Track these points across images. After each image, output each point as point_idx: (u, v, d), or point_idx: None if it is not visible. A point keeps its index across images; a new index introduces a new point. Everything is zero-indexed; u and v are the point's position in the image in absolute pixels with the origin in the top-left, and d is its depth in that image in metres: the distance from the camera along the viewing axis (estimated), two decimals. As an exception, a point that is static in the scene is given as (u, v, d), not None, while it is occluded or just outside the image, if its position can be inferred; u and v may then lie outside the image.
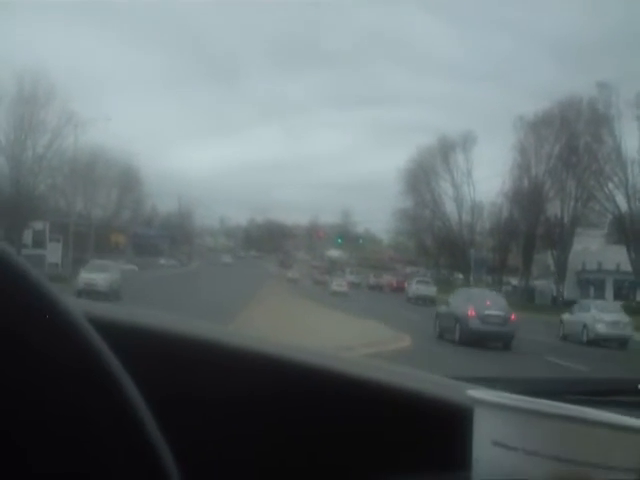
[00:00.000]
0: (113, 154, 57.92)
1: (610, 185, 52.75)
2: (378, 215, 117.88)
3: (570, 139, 54.30)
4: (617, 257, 53.52)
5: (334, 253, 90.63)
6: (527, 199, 58.07)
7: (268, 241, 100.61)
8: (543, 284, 60.13)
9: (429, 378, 1.10)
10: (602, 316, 27.00)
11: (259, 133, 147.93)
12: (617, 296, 55.10)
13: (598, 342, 25.05)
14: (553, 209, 59.26)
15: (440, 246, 68.59)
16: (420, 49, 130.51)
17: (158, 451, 0.54)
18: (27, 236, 51.65)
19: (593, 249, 57.87)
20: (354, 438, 0.92)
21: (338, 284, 54.04)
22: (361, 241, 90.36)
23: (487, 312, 22.15)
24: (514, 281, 61.99)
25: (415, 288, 52.44)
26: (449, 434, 0.90)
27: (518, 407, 0.69)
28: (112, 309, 0.93)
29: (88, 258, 43.23)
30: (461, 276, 68.68)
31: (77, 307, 0.56)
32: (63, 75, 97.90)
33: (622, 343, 25.34)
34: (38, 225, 53.37)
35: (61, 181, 54.90)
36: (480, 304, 22.79)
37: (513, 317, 22.71)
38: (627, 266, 52.36)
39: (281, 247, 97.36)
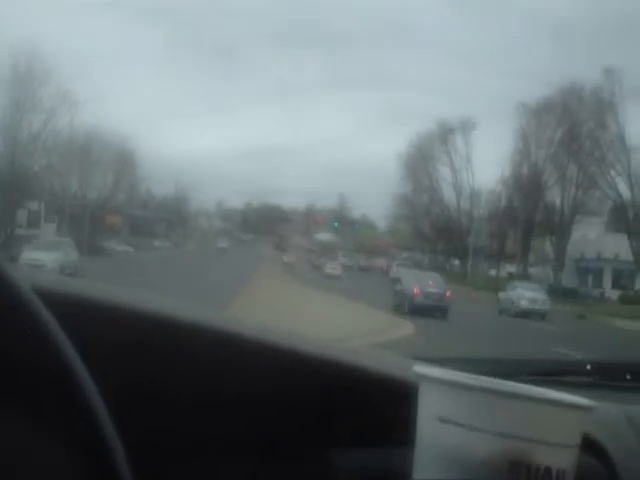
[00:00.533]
0: (108, 136, 57.28)
1: (612, 172, 52.31)
2: (376, 201, 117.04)
3: (572, 126, 53.81)
4: (616, 246, 53.14)
5: (325, 237, 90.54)
6: (527, 186, 57.69)
7: (265, 225, 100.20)
8: (540, 271, 59.79)
9: (381, 356, 1.15)
10: (525, 294, 33.78)
11: (257, 115, 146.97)
12: (615, 285, 54.94)
13: (523, 314, 31.27)
14: (553, 196, 58.98)
15: (438, 232, 68.30)
16: (422, 33, 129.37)
17: (109, 449, 0.50)
18: (22, 216, 51.17)
19: (592, 237, 57.50)
20: (299, 414, 0.93)
21: (332, 267, 56.71)
22: (357, 226, 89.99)
23: (429, 290, 28.26)
24: (511, 268, 61.61)
25: (396, 270, 54.60)
26: (395, 410, 0.89)
27: (462, 383, 0.70)
28: (68, 283, 0.83)
29: (83, 239, 42.76)
30: (458, 262, 68.46)
31: (25, 279, 0.52)
32: (59, 54, 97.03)
33: (541, 315, 31.93)
34: (33, 205, 52.87)
35: (56, 162, 54.33)
36: (424, 284, 28.80)
37: (448, 294, 28.65)
38: (626, 255, 52.03)
39: (277, 231, 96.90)
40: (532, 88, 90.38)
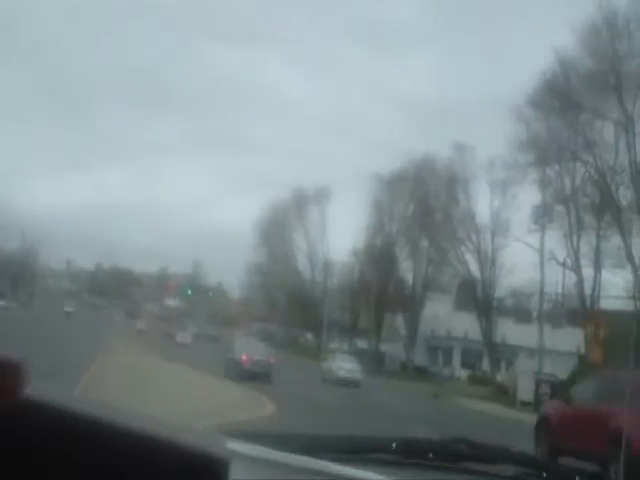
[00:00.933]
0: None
1: (462, 248, 51.47)
2: (231, 268, 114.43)
3: (424, 199, 53.02)
4: (465, 324, 52.09)
5: (177, 303, 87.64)
6: (379, 259, 56.39)
7: (115, 288, 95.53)
8: (392, 347, 58.08)
9: (197, 432, 1.19)
10: (342, 365, 37.51)
11: (110, 174, 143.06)
12: (464, 364, 53.88)
13: (340, 382, 34.39)
14: (406, 270, 57.92)
15: (291, 303, 65.99)
16: (279, 99, 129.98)
17: None
18: None
19: (442, 314, 56.39)
20: None
21: (183, 336, 57.97)
22: (211, 294, 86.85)
23: (256, 358, 30.99)
24: (363, 344, 59.39)
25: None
26: None
27: (270, 460, 0.74)
28: None
29: None
30: (310, 336, 66.24)
31: None
32: None
33: (356, 384, 35.17)
34: None
35: None
36: (252, 351, 31.82)
37: (272, 360, 31.62)
38: (475, 334, 50.99)
39: (128, 296, 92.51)
40: (387, 160, 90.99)
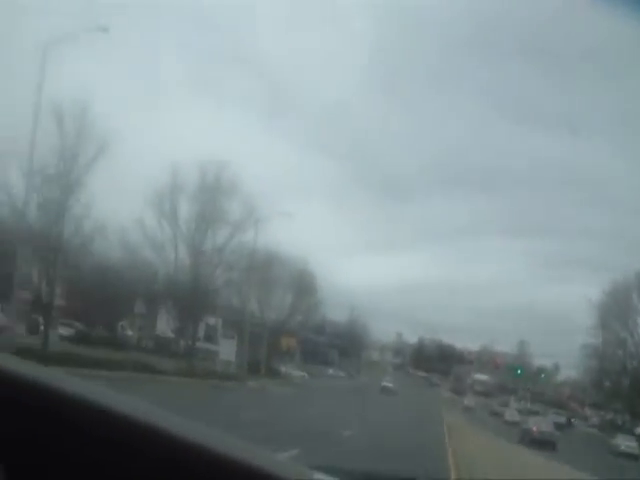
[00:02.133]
0: (289, 255, 55.82)
1: None
2: (557, 348, 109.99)
3: None
4: None
5: (483, 377, 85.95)
6: None
7: (437, 362, 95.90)
8: None
9: (282, 461, 1.28)
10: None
11: (426, 253, 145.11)
12: None
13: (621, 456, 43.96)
14: None
15: (633, 388, 61.47)
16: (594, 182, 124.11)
17: None
18: (200, 330, 50.23)
19: None
20: None
21: (511, 414, 57.31)
22: (543, 375, 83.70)
23: (543, 429, 41.47)
24: None
25: (509, 414, 59.26)
26: None
27: None
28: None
29: (261, 359, 41.05)
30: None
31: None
32: (245, 169, 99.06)
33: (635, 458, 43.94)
34: (210, 320, 52.00)
35: (237, 277, 52.98)
36: (540, 424, 42.72)
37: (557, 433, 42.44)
38: None
39: (452, 371, 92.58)
40: None
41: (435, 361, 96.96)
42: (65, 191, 36.41)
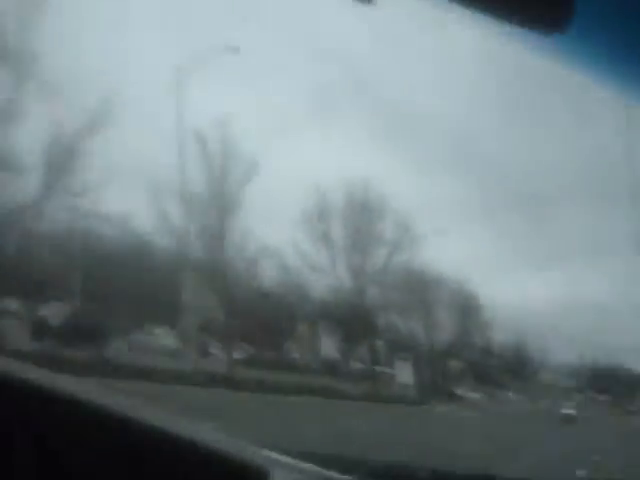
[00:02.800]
0: (447, 275, 53.90)
1: None
2: None
3: None
4: None
5: None
6: None
7: (617, 385, 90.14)
8: None
9: (244, 444, 1.28)
10: None
11: (581, 270, 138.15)
12: None
13: None
14: None
15: None
16: None
17: None
18: (363, 353, 49.60)
19: None
20: None
21: None
22: None
23: None
24: None
25: None
26: None
27: (308, 472, 0.78)
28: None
29: (436, 382, 39.93)
30: None
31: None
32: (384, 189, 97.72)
33: None
34: (376, 341, 51.23)
35: (399, 298, 51.99)
36: None
37: None
38: None
39: None
40: None
41: (614, 383, 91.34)
42: (221, 215, 36.72)
